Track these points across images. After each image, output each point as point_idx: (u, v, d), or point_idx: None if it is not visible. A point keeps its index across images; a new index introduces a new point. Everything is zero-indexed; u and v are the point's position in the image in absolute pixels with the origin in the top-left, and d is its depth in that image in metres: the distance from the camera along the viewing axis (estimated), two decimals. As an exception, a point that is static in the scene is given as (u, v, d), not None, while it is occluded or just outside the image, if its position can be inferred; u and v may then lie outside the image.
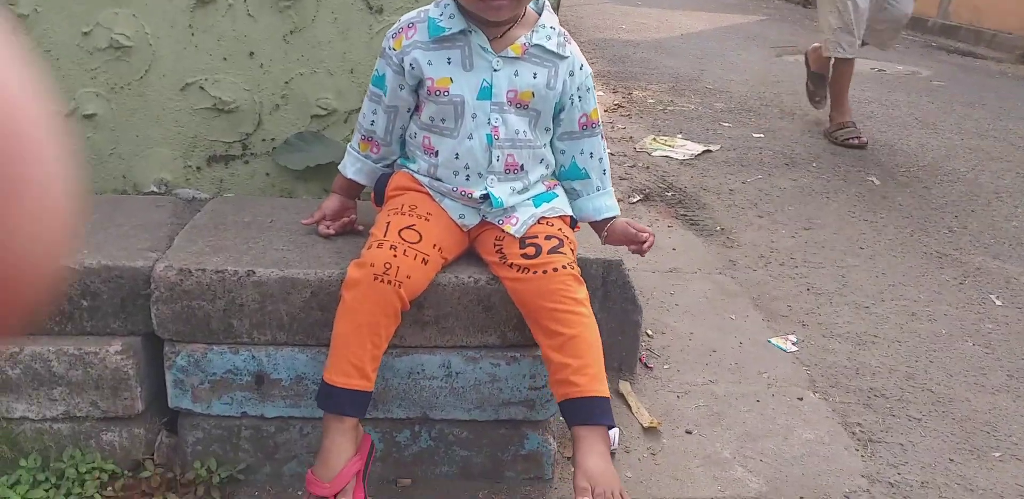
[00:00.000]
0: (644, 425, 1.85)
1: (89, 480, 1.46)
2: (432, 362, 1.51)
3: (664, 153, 3.82)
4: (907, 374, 2.17)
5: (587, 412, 1.40)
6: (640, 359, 2.11)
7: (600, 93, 4.81)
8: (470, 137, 1.48)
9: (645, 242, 1.60)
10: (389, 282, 1.35)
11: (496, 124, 1.48)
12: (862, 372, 2.16)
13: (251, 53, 1.91)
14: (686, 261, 2.75)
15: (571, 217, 1.58)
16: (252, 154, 1.99)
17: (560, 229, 1.51)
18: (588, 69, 1.58)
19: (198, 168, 2.00)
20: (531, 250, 1.44)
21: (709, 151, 3.91)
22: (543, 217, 1.51)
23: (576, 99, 1.56)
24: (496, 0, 1.38)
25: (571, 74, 1.53)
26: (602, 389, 1.41)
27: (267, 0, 1.87)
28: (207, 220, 1.66)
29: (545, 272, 1.40)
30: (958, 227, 3.21)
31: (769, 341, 2.28)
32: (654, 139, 3.98)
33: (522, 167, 1.52)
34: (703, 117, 4.53)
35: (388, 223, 1.45)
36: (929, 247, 3.00)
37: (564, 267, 1.41)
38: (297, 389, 1.50)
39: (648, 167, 3.66)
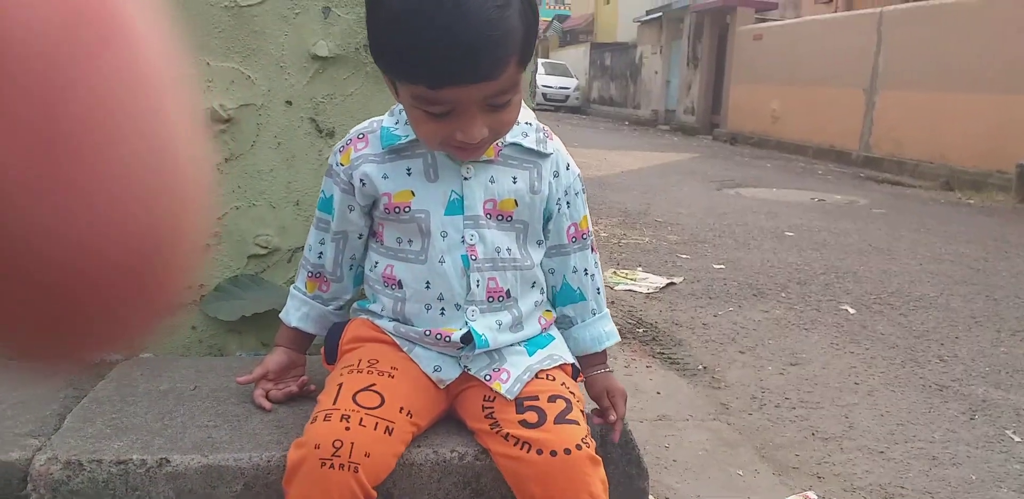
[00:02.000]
0: None
1: None
2: (405, 570, 1.16)
3: (627, 287, 3.61)
4: (952, 534, 1.85)
5: None
6: (646, 534, 1.75)
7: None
8: (441, 260, 1.20)
9: (610, 420, 1.30)
10: (341, 466, 1.03)
11: (472, 242, 1.21)
12: (901, 534, 1.85)
13: (205, 161, 1.64)
14: (674, 406, 2.45)
15: (572, 365, 1.28)
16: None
17: (564, 384, 1.21)
18: (576, 169, 1.33)
19: (108, 324, 1.66)
20: (533, 416, 1.13)
21: (673, 283, 3.72)
22: (541, 370, 1.21)
23: (564, 205, 1.30)
24: (470, 147, 1.11)
25: (556, 175, 1.28)
26: None
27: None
28: (112, 390, 1.32)
29: (554, 454, 1.09)
30: (948, 356, 3.01)
31: (787, 501, 1.96)
32: (615, 273, 3.78)
33: (508, 293, 1.24)
34: (659, 249, 4.39)
35: (340, 385, 1.14)
36: (926, 379, 2.78)
37: (578, 447, 1.10)
38: None
39: (613, 302, 3.43)
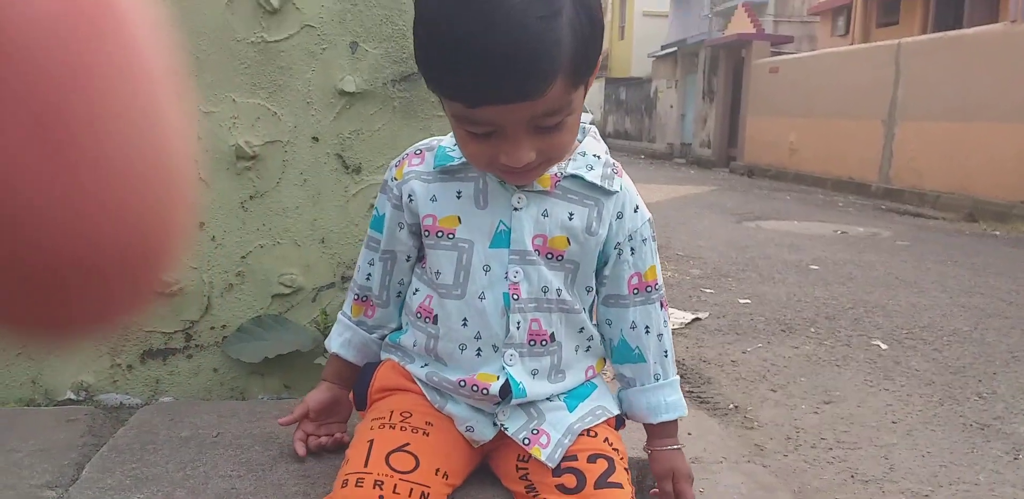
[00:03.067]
0: None
1: None
2: None
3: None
4: (1007, 584, 1.76)
5: None
6: (685, 586, 1.67)
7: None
8: (481, 297, 1.11)
9: None
10: None
11: (516, 280, 1.11)
12: (953, 585, 1.75)
13: (201, 224, 1.61)
14: (707, 448, 2.37)
15: (616, 417, 1.21)
16: (197, 346, 1.63)
17: (606, 440, 1.13)
18: (646, 213, 1.20)
19: (129, 367, 1.62)
20: (571, 480, 1.06)
21: (698, 319, 3.65)
22: (583, 429, 1.14)
23: (627, 251, 1.17)
24: (518, 170, 1.00)
25: (619, 216, 1.15)
26: None
27: (223, 161, 1.60)
28: (132, 438, 1.27)
29: None
30: (987, 393, 2.91)
31: (830, 549, 1.87)
32: (638, 309, 3.71)
33: (552, 337, 1.14)
34: (682, 284, 4.32)
35: (371, 442, 1.07)
36: (966, 417, 2.68)
37: None
38: None
39: (638, 339, 3.35)
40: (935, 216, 7.89)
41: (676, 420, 1.22)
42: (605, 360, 1.25)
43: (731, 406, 2.71)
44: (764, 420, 2.61)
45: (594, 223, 1.13)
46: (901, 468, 2.31)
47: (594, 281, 1.18)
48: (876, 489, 2.18)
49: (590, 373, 1.21)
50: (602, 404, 1.18)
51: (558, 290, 1.13)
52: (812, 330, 3.58)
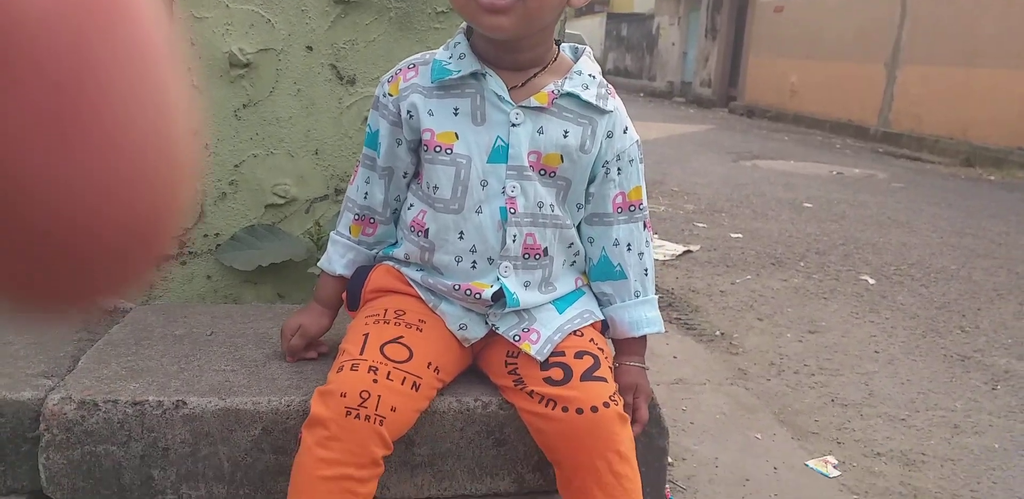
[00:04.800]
0: (685, 584, 1.46)
1: None
2: (425, 519, 1.13)
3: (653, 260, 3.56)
4: (974, 501, 1.82)
5: None
6: (665, 494, 1.73)
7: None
8: (479, 210, 1.14)
9: (633, 423, 1.19)
10: (367, 418, 0.99)
11: (513, 194, 1.13)
12: (922, 500, 1.82)
13: (194, 132, 1.60)
14: (691, 371, 2.42)
15: (603, 321, 1.23)
16: (190, 253, 1.64)
17: (592, 340, 1.16)
18: (634, 135, 1.23)
19: (122, 272, 1.63)
20: (558, 373, 1.09)
21: (690, 251, 3.68)
22: (571, 330, 1.16)
23: (613, 170, 1.20)
24: (497, 6, 1.01)
25: (609, 135, 1.18)
26: None
27: (216, 68, 1.58)
28: (127, 334, 1.29)
29: (580, 411, 1.05)
30: (970, 327, 2.96)
31: (807, 465, 1.93)
32: (631, 240, 3.73)
33: (545, 251, 1.17)
34: (675, 218, 4.33)
35: (366, 335, 1.09)
36: (947, 349, 2.74)
37: (606, 405, 1.06)
38: (241, 565, 1.10)
39: (629, 269, 3.38)
40: (932, 160, 7.87)
41: (645, 340, 1.26)
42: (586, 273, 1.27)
43: (717, 333, 2.76)
44: (749, 347, 2.65)
45: (587, 141, 1.16)
46: (880, 394, 2.36)
47: (584, 199, 1.20)
48: (855, 412, 2.24)
49: (578, 282, 1.24)
50: (589, 308, 1.21)
51: (551, 206, 1.16)
52: (802, 264, 3.61)
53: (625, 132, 1.21)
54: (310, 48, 1.62)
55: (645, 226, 1.25)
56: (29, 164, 0.22)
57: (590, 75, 1.17)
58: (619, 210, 1.22)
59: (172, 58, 0.26)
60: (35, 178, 0.22)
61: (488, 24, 1.05)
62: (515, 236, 1.14)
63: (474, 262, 1.15)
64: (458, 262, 1.15)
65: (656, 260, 3.50)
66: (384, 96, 1.19)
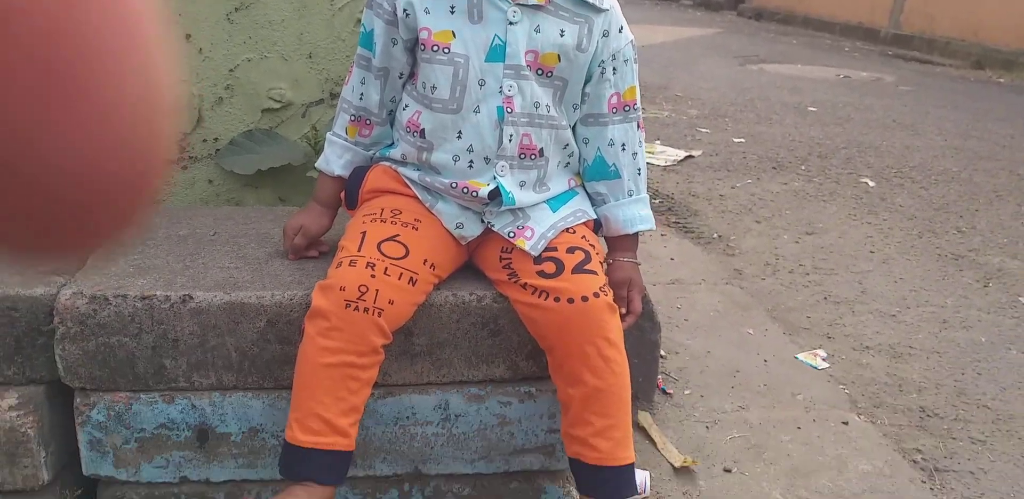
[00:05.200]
0: (675, 465, 1.55)
1: (-22, 580, 1.11)
2: (425, 403, 1.20)
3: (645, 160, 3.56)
4: (956, 389, 1.90)
5: (606, 485, 1.11)
6: (657, 384, 1.81)
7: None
8: (476, 110, 1.15)
9: (627, 315, 1.24)
10: (365, 309, 1.04)
11: (510, 93, 1.14)
12: (906, 389, 1.89)
13: (188, 36, 1.60)
14: (688, 272, 2.47)
15: (594, 220, 1.26)
16: (191, 158, 1.67)
17: (584, 237, 1.19)
18: (629, 35, 1.23)
19: (125, 178, 1.66)
20: (550, 267, 1.13)
21: (691, 156, 3.67)
22: (564, 227, 1.19)
23: (608, 70, 1.20)
24: None
25: (605, 34, 1.19)
26: (627, 456, 1.12)
27: (202, -32, 1.56)
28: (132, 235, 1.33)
29: (572, 301, 1.09)
30: (966, 227, 2.99)
31: (796, 357, 2.00)
32: (632, 146, 3.73)
33: (541, 152, 1.19)
34: (679, 124, 4.30)
35: (364, 233, 1.13)
36: (942, 249, 2.78)
37: (596, 295, 1.10)
38: (251, 445, 1.17)
39: (629, 175, 3.40)
40: (942, 63, 7.70)
41: (637, 237, 1.29)
42: (579, 174, 1.29)
43: (715, 236, 2.80)
44: (746, 248, 2.70)
45: (584, 40, 1.17)
46: (873, 292, 2.42)
47: (580, 99, 1.21)
48: (847, 309, 2.30)
49: (571, 183, 1.26)
50: (582, 208, 1.24)
51: (547, 106, 1.17)
52: (803, 168, 3.61)
53: (621, 31, 1.21)
54: (299, -54, 1.59)
55: (639, 127, 1.27)
56: (18, 112, 0.23)
57: None
58: (614, 110, 1.23)
59: (154, 15, 0.27)
60: (25, 127, 0.23)
61: None
62: (511, 136, 1.16)
63: (471, 161, 1.17)
64: (455, 161, 1.17)
65: (657, 166, 3.52)
66: None
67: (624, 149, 1.24)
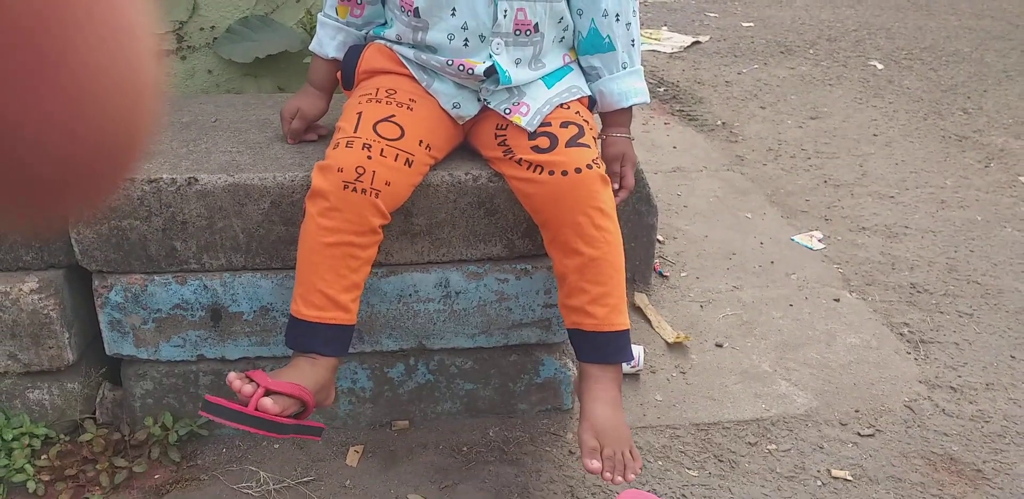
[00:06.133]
0: (669, 341, 1.62)
1: (18, 448, 1.20)
2: (426, 281, 1.25)
3: (651, 47, 3.50)
4: (948, 266, 1.95)
5: (603, 349, 1.15)
6: (654, 267, 1.86)
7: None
8: None
9: (620, 189, 1.26)
10: (363, 191, 1.07)
11: None
12: (899, 267, 1.94)
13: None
14: (690, 159, 2.49)
15: (589, 97, 1.27)
16: (189, 47, 1.66)
17: (578, 113, 1.20)
18: None
19: (123, 69, 1.67)
20: (544, 142, 1.14)
21: (698, 42, 3.60)
22: (560, 103, 1.20)
23: None
24: None
25: None
26: (622, 322, 1.16)
27: None
28: (135, 124, 1.35)
29: (565, 173, 1.11)
30: (973, 108, 2.96)
31: (792, 239, 2.05)
32: (636, 31, 3.65)
33: (536, 27, 1.18)
34: (686, 8, 4.19)
35: (359, 114, 1.14)
36: (946, 130, 2.76)
37: (588, 167, 1.12)
38: (263, 323, 1.24)
39: (633, 61, 3.35)
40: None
41: (631, 111, 1.28)
42: (574, 50, 1.28)
43: (719, 123, 2.79)
44: (749, 134, 2.69)
45: None
46: (873, 174, 2.43)
47: None
48: (846, 192, 2.32)
49: (566, 59, 1.26)
50: (577, 84, 1.24)
51: None
52: (811, 51, 3.54)
53: None
54: None
55: None
56: (10, 93, 0.23)
57: None
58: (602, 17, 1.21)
59: None
60: (16, 107, 0.23)
61: None
62: (506, 11, 1.15)
63: (466, 39, 1.16)
64: (450, 40, 1.17)
65: (663, 53, 3.46)
66: None
67: (618, 19, 1.23)
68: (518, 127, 1.17)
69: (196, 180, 1.15)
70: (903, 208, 2.23)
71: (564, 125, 1.16)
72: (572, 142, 1.13)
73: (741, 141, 2.65)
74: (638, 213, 1.74)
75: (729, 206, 2.20)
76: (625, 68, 1.25)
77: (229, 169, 1.17)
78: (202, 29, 1.65)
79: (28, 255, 1.19)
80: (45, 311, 1.17)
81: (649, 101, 1.31)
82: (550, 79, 1.23)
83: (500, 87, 1.18)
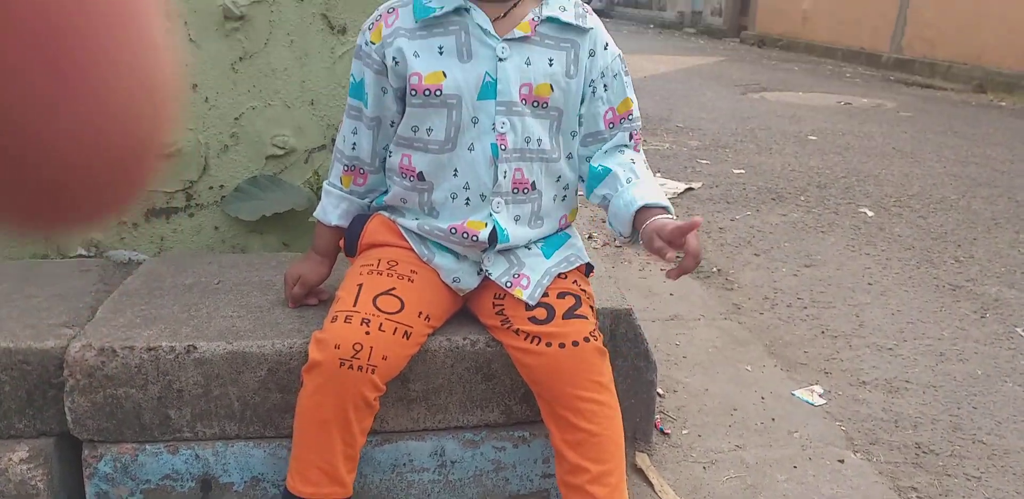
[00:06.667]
0: (672, 505, 1.57)
1: None
2: (421, 450, 1.23)
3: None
4: (952, 424, 1.92)
5: None
6: (655, 424, 1.83)
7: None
8: (471, 148, 1.17)
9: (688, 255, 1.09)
10: (359, 368, 1.07)
11: (503, 130, 1.16)
12: (902, 425, 1.91)
13: (194, 85, 1.65)
14: (687, 307, 2.50)
15: (587, 264, 1.30)
16: (197, 205, 1.72)
17: (575, 282, 1.22)
18: (615, 50, 1.24)
19: (134, 225, 1.71)
20: (542, 313, 1.16)
21: (691, 189, 3.72)
22: (559, 273, 1.22)
23: (599, 88, 1.21)
24: None
25: (592, 54, 1.20)
26: None
27: (211, 22, 1.62)
28: (140, 284, 1.37)
29: (563, 346, 1.12)
30: (964, 257, 3.01)
31: (793, 394, 2.02)
32: (633, 178, 3.78)
33: (533, 185, 1.21)
34: (679, 155, 4.35)
35: (360, 286, 1.16)
36: (940, 279, 2.80)
37: (586, 339, 1.13)
38: (253, 495, 1.21)
39: (630, 207, 3.44)
40: (944, 87, 7.76)
41: (664, 210, 1.17)
42: (576, 210, 1.32)
43: (714, 270, 2.83)
44: (744, 282, 2.73)
45: (571, 66, 1.18)
46: (870, 325, 2.44)
47: (577, 126, 1.22)
48: (844, 343, 2.32)
49: (563, 221, 1.29)
50: (574, 252, 1.27)
51: (539, 139, 1.18)
52: (802, 198, 3.65)
53: (606, 48, 1.22)
54: None
55: (631, 137, 1.24)
56: (25, 101, 0.23)
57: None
58: (611, 125, 1.23)
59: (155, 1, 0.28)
60: (30, 114, 0.23)
61: None
62: (506, 172, 1.18)
63: (467, 199, 1.19)
64: (453, 199, 1.19)
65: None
66: (366, 44, 1.20)
67: (619, 152, 1.22)
68: (514, 297, 1.18)
69: (195, 348, 1.15)
70: (902, 361, 2.22)
71: (561, 296, 1.17)
72: (569, 314, 1.15)
73: (737, 289, 2.68)
74: (637, 369, 1.73)
75: (728, 357, 2.20)
76: (630, 182, 1.19)
77: (228, 336, 1.18)
78: (211, 188, 1.71)
79: (21, 422, 1.17)
80: (33, 482, 1.14)
81: (667, 204, 1.19)
82: (548, 248, 1.25)
83: (499, 248, 1.19)
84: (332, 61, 1.68)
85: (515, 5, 1.16)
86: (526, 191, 1.20)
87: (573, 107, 1.21)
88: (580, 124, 1.23)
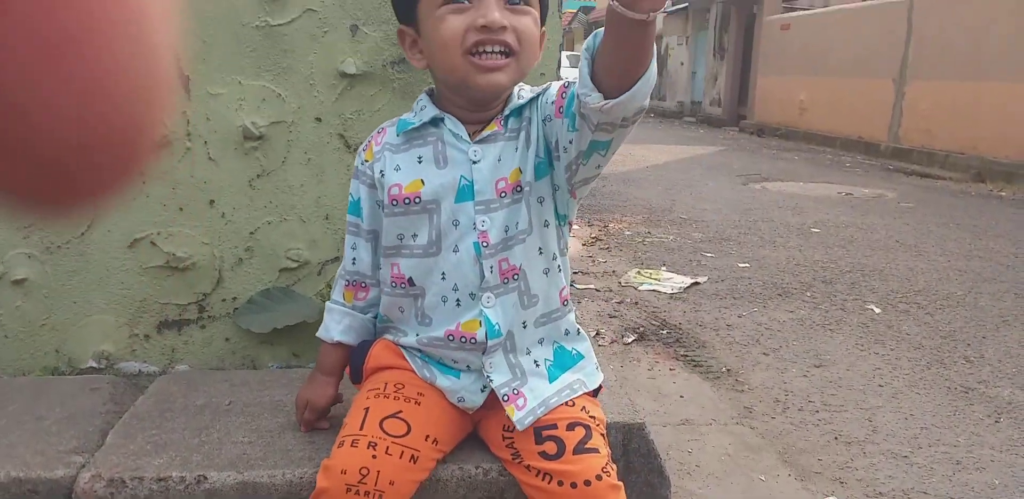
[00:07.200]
0: None
1: None
2: (433, 582, 1.20)
3: (651, 287, 3.62)
4: (973, 541, 1.87)
5: None
6: (669, 540, 1.78)
7: (576, 227, 4.67)
8: (455, 249, 1.19)
9: None
10: (366, 493, 1.06)
11: (484, 228, 1.18)
12: (922, 541, 1.86)
13: (211, 201, 1.69)
14: (698, 410, 2.48)
15: (595, 389, 1.29)
16: (210, 317, 1.73)
17: (584, 409, 1.21)
18: (538, 87, 1.22)
19: (146, 337, 1.72)
20: (551, 447, 1.15)
21: (697, 283, 3.73)
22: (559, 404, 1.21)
23: (546, 102, 1.17)
24: (493, 39, 1.08)
25: (532, 108, 1.20)
26: None
27: (231, 141, 1.67)
28: (151, 405, 1.37)
29: (575, 485, 1.11)
30: (974, 357, 3.00)
31: (809, 507, 1.98)
32: (639, 272, 3.80)
33: (520, 267, 1.20)
34: (683, 248, 4.39)
35: (367, 409, 1.16)
36: (951, 381, 2.77)
37: (598, 478, 1.12)
38: None
39: (637, 303, 3.45)
40: (943, 176, 7.88)
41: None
42: (569, 287, 1.28)
43: (724, 370, 2.81)
44: (755, 383, 2.70)
45: (525, 134, 1.18)
46: (884, 430, 2.41)
47: (551, 174, 1.19)
48: (858, 450, 2.28)
49: (564, 293, 1.27)
50: (581, 377, 1.26)
51: (517, 223, 1.19)
52: (808, 294, 3.66)
53: (536, 94, 1.20)
54: (319, 119, 1.71)
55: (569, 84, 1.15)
56: (27, 86, 0.24)
57: (520, 88, 1.21)
58: (562, 95, 1.14)
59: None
60: (32, 99, 0.24)
61: (486, 83, 1.12)
62: (492, 267, 1.19)
63: (458, 300, 1.20)
64: (444, 302, 1.21)
65: (664, 293, 3.58)
66: (362, 164, 1.28)
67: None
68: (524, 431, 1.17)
69: (205, 478, 1.14)
70: (918, 470, 2.18)
71: (570, 428, 1.16)
72: (580, 448, 1.14)
73: (747, 391, 2.65)
74: (650, 485, 1.70)
75: (741, 466, 2.16)
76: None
77: (239, 465, 1.17)
78: (224, 300, 1.73)
79: (24, 554, 1.15)
80: None
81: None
82: (557, 368, 1.24)
83: (492, 343, 1.18)
84: (347, 177, 1.72)
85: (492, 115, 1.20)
86: (516, 276, 1.20)
87: (543, 176, 1.19)
88: (556, 147, 1.16)
